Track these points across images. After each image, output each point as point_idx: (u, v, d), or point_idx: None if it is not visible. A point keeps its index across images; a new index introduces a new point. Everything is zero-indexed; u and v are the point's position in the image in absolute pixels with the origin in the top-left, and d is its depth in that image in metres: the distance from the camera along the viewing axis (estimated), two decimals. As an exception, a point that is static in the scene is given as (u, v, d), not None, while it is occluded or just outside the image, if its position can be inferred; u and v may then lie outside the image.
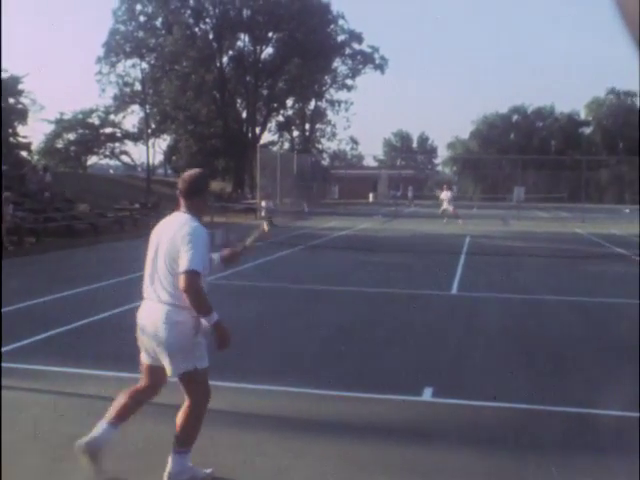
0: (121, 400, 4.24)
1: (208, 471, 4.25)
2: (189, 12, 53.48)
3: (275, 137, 64.54)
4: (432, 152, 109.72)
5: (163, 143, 61.82)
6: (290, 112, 63.21)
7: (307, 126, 64.89)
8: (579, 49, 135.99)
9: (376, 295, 11.52)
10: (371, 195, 64.44)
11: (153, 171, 55.54)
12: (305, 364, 7.05)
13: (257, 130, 57.33)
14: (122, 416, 4.23)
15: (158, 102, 54.70)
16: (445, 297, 11.47)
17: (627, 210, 44.58)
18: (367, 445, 4.84)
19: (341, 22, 58.84)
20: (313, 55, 54.23)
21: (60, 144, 55.20)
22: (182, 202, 4.19)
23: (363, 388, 6.15)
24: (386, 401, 5.88)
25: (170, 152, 60.32)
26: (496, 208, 47.42)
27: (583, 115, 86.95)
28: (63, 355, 7.04)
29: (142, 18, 53.50)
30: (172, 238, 4.01)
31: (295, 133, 65.56)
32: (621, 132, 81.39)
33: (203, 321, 4.02)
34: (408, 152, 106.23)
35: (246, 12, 54.16)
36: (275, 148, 57.68)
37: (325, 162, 68.35)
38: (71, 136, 55.21)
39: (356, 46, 59.82)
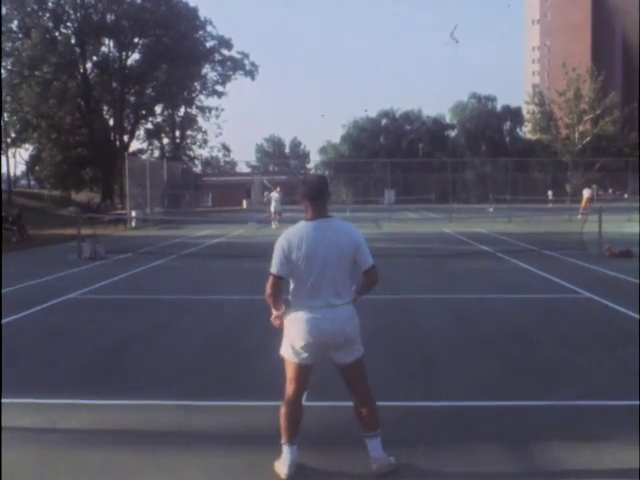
0: (288, 417, 4.43)
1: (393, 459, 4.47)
2: (48, 15, 51.40)
3: (144, 145, 63.20)
4: (305, 157, 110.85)
5: (25, 153, 59.09)
6: (159, 119, 62.10)
7: (177, 133, 63.94)
8: (444, 55, 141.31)
9: (248, 302, 11.40)
10: (245, 202, 64.26)
11: (15, 183, 52.94)
12: (177, 376, 6.85)
13: (125, 138, 55.89)
14: (298, 432, 4.48)
15: (17, 109, 52.15)
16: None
17: (491, 209, 46.67)
18: (239, 454, 4.74)
19: (210, 28, 58.44)
20: (182, 61, 53.48)
21: None
22: (318, 205, 4.31)
23: (236, 396, 6.04)
24: (255, 408, 5.79)
25: (33, 162, 57.73)
26: (368, 211, 48.43)
27: (448, 119, 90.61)
28: None
29: (-4, 20, 50.90)
30: (342, 242, 4.28)
31: (165, 140, 64.48)
32: (483, 134, 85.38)
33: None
34: (281, 157, 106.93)
35: (110, 17, 52.72)
36: (145, 156, 56.41)
37: (197, 169, 67.50)
38: None
39: (226, 52, 59.60)
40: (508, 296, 11.63)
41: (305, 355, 4.34)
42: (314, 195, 4.30)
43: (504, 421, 5.42)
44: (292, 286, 4.36)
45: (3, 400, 5.83)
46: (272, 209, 32.66)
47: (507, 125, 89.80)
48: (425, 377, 6.73)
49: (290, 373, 4.44)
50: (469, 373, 6.78)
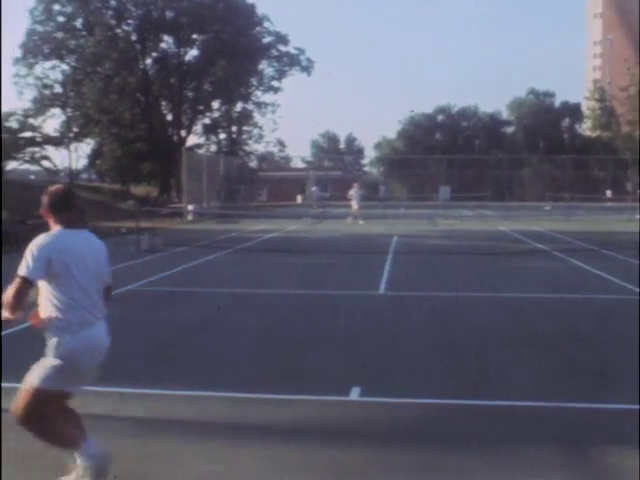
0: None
1: None
2: (110, 13, 52.42)
3: (201, 140, 63.85)
4: (359, 153, 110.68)
5: (86, 147, 60.32)
6: (216, 114, 62.66)
7: (234, 128, 64.44)
8: (501, 51, 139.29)
9: (304, 296, 11.50)
10: (299, 197, 64.49)
11: (76, 176, 54.24)
12: (232, 368, 6.96)
13: (183, 133, 56.63)
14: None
15: (80, 105, 53.36)
16: (372, 297, 11.53)
17: (547, 207, 45.89)
18: (296, 447, 4.80)
19: (267, 24, 58.72)
20: (239, 57, 53.86)
21: (-26, 149, 53.30)
22: (67, 217, 4.02)
23: (291, 390, 6.11)
24: (314, 402, 5.85)
25: (94, 156, 58.90)
26: (423, 207, 48.14)
27: (505, 115, 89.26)
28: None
29: (61, 18, 52.16)
30: (101, 254, 4.16)
31: (222, 136, 64.99)
32: (541, 131, 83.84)
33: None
34: (335, 153, 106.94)
35: (169, 13, 53.46)
36: (201, 151, 57.07)
37: (253, 164, 68.02)
38: (-13, 141, 53.36)
39: (282, 48, 59.78)
40: (565, 296, 11.46)
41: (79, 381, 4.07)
42: (58, 207, 4.00)
43: (561, 422, 5.36)
44: (54, 299, 3.88)
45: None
46: (354, 205, 32.55)
47: (566, 122, 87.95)
48: (481, 375, 6.69)
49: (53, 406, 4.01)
50: (526, 373, 6.72)
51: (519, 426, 5.26)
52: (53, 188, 4.12)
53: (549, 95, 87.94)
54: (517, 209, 41.83)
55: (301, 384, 6.34)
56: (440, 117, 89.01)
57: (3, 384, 5.82)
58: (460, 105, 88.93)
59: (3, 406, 5.29)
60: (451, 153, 68.05)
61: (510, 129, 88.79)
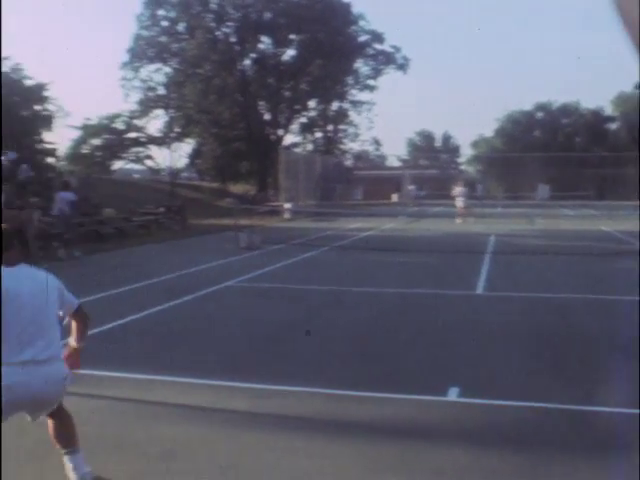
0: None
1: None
2: (211, 16, 53.74)
3: (298, 139, 64.52)
4: (455, 151, 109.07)
5: (187, 147, 62.02)
6: (313, 113, 63.19)
7: (330, 127, 64.82)
8: (605, 44, 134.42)
9: (402, 295, 11.50)
10: (395, 195, 64.24)
11: (177, 175, 55.82)
12: (329, 365, 7.06)
13: (280, 132, 57.43)
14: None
15: (182, 106, 55.01)
16: (470, 297, 11.41)
17: (654, 206, 43.96)
18: (393, 446, 4.84)
19: (362, 23, 58.78)
20: (335, 56, 54.17)
21: (86, 149, 55.72)
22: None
23: (388, 388, 6.15)
24: (412, 401, 5.87)
25: (194, 155, 60.54)
26: (521, 206, 47.08)
27: (609, 111, 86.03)
28: (93, 358, 7.11)
29: (165, 23, 53.91)
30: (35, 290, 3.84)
31: (318, 134, 65.49)
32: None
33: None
34: (431, 151, 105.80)
35: (267, 14, 54.31)
36: (298, 150, 57.73)
37: (348, 163, 68.22)
38: (96, 141, 55.69)
39: (378, 46, 59.68)
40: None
41: None
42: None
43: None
44: None
45: (168, 378, 6.29)
46: (459, 204, 32.31)
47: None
48: (581, 380, 6.53)
49: None
50: (628, 378, 6.52)
51: (622, 433, 5.12)
52: None
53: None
54: (621, 208, 40.30)
55: (399, 383, 6.37)
56: (539, 114, 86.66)
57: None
58: (561, 101, 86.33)
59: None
60: (551, 151, 66.19)
61: (614, 125, 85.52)
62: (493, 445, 4.87)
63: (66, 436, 4.06)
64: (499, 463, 4.57)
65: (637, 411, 5.53)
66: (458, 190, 32.72)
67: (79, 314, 4.09)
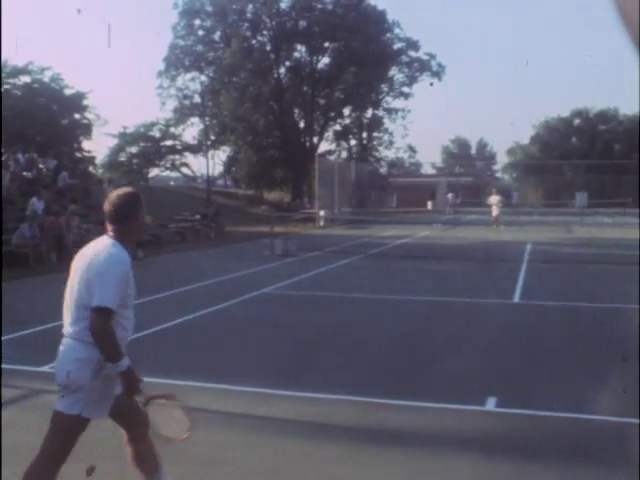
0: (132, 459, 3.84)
1: None
2: (247, 25, 54.18)
3: (333, 146, 64.66)
4: (491, 158, 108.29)
5: (222, 154, 62.56)
6: (347, 121, 63.26)
7: (364, 135, 64.82)
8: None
9: (438, 304, 11.45)
10: (430, 203, 63.99)
11: (213, 182, 56.27)
12: (365, 373, 7.05)
13: (315, 139, 57.60)
14: (144, 467, 3.86)
15: (217, 114, 55.52)
16: (507, 306, 11.31)
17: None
18: (430, 455, 4.82)
19: (397, 30, 58.77)
20: (369, 64, 54.23)
21: (123, 157, 56.46)
22: (109, 227, 3.66)
23: (426, 397, 6.12)
24: (450, 410, 5.84)
25: (229, 163, 61.02)
26: (558, 214, 46.55)
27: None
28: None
29: (201, 32, 54.50)
30: (87, 266, 3.54)
31: (352, 142, 65.55)
32: (688, 134, 78.93)
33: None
34: (466, 159, 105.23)
35: (302, 23, 54.57)
36: (333, 157, 57.82)
37: (383, 170, 68.14)
38: (133, 149, 56.41)
39: (412, 54, 59.62)
40: None
41: None
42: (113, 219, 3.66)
43: None
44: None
45: (206, 384, 6.34)
46: (495, 212, 32.22)
47: None
48: (622, 392, 6.42)
49: None
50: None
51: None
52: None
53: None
54: (661, 216, 39.58)
55: (436, 392, 6.34)
56: (577, 121, 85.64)
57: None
58: (598, 108, 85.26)
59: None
60: (589, 158, 65.38)
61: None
62: (532, 455, 4.82)
63: (142, 462, 3.81)
64: (537, 473, 4.52)
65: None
66: (494, 198, 32.55)
67: (91, 317, 3.44)
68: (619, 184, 58.73)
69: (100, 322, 3.37)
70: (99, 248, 3.60)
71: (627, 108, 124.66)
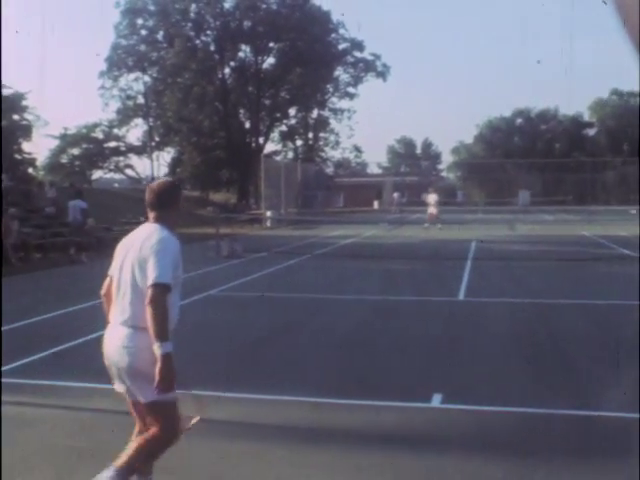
0: (130, 451, 3.78)
1: None
2: (190, 25, 53.73)
3: (279, 147, 64.68)
4: (436, 158, 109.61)
5: (167, 155, 62.01)
6: (293, 121, 63.34)
7: (310, 135, 64.97)
8: (581, 50, 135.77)
9: (385, 302, 11.49)
10: (376, 202, 64.43)
11: (158, 184, 55.52)
12: (313, 373, 7.02)
13: (260, 140, 57.46)
14: (140, 466, 3.86)
15: (161, 115, 54.94)
16: (452, 303, 11.43)
17: (633, 211, 44.37)
18: (377, 453, 4.81)
19: (342, 31, 59.01)
20: (315, 64, 54.35)
21: (65, 159, 55.42)
22: (151, 214, 3.89)
23: (371, 396, 6.12)
24: (395, 408, 5.85)
25: (174, 164, 60.41)
26: (501, 212, 47.36)
27: (587, 117, 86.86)
28: (69, 370, 7.03)
29: (143, 32, 53.83)
30: (140, 251, 3.67)
31: (299, 142, 65.66)
32: (625, 133, 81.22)
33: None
34: (412, 158, 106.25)
35: (247, 23, 54.37)
36: (279, 158, 57.78)
37: (329, 171, 68.40)
38: (75, 151, 55.46)
39: (358, 54, 59.96)
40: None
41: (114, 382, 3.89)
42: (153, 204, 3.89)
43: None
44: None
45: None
46: (431, 210, 32.43)
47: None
48: (563, 385, 6.54)
49: None
50: (610, 383, 6.54)
51: (607, 437, 5.12)
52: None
53: (633, 95, 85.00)
54: (601, 213, 40.67)
55: (383, 390, 6.34)
56: (519, 120, 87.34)
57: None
58: (539, 108, 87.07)
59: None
60: (530, 157, 66.73)
61: (592, 131, 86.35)
62: (477, 450, 4.86)
63: (129, 453, 3.76)
64: (483, 468, 4.56)
65: (620, 415, 5.55)
66: (432, 197, 32.82)
67: (148, 293, 3.53)
68: (560, 182, 60.11)
69: (157, 297, 3.47)
70: (147, 232, 3.77)
71: (567, 108, 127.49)
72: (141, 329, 3.56)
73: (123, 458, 3.71)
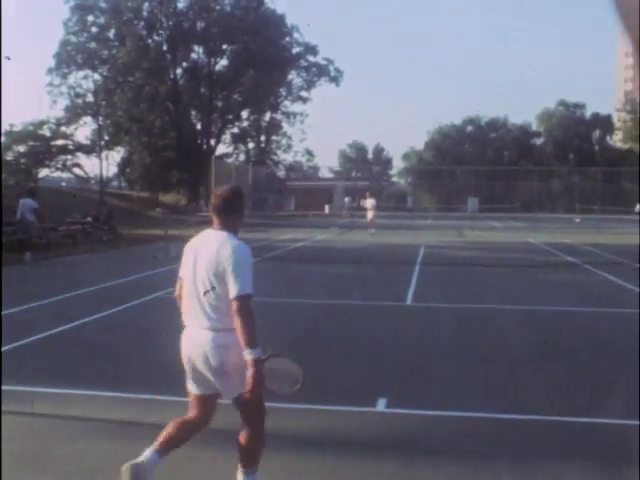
0: (170, 430, 4.07)
1: None
2: (142, 24, 53.15)
3: (230, 149, 64.40)
4: (387, 163, 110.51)
5: (117, 155, 61.23)
6: (245, 124, 63.16)
7: (262, 138, 64.85)
8: (530, 61, 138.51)
9: (332, 306, 11.50)
10: (327, 206, 64.60)
11: (107, 184, 54.79)
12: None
13: (212, 142, 57.14)
14: (169, 446, 4.08)
15: (111, 114, 54.11)
16: (399, 308, 11.50)
17: (578, 220, 45.44)
18: (320, 457, 4.80)
19: (296, 35, 59.11)
20: (268, 67, 54.28)
21: (10, 156, 54.10)
22: (217, 220, 4.01)
23: (315, 400, 6.10)
24: (340, 412, 5.84)
25: (124, 164, 59.61)
26: (450, 219, 47.95)
27: (535, 126, 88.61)
28: (16, 372, 6.85)
29: (94, 29, 53.02)
30: (215, 259, 3.81)
31: (250, 145, 65.49)
32: (571, 143, 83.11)
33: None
34: (363, 163, 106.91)
35: (200, 24, 54.04)
36: (230, 160, 57.49)
37: (281, 174, 68.34)
38: (21, 148, 54.13)
39: (311, 58, 60.14)
40: (595, 309, 11.33)
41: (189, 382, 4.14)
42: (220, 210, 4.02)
43: (587, 438, 5.29)
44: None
45: (94, 392, 6.10)
46: (370, 215, 32.56)
47: (596, 133, 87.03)
48: (506, 389, 6.63)
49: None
50: (551, 387, 6.66)
51: (549, 441, 5.20)
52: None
53: (579, 106, 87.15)
54: (547, 221, 41.49)
55: (327, 394, 6.33)
56: (469, 128, 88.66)
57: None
58: (489, 116, 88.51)
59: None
60: (480, 164, 67.75)
61: (540, 141, 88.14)
62: (421, 455, 4.88)
63: (243, 453, 4.10)
64: (426, 472, 4.58)
65: (564, 418, 5.64)
66: (369, 202, 33.01)
67: (234, 305, 3.75)
68: (508, 189, 61.11)
69: (244, 307, 3.70)
70: (219, 240, 3.89)
71: (516, 117, 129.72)
72: (224, 330, 3.80)
73: (244, 460, 4.11)
